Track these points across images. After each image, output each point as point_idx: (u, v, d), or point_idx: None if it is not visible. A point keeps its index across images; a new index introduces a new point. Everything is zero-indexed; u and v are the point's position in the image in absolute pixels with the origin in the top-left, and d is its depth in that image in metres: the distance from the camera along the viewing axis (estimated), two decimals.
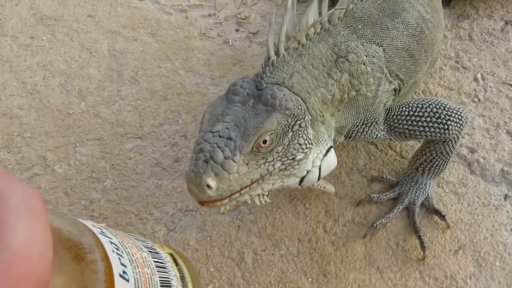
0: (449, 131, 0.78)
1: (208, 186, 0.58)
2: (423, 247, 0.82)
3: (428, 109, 0.77)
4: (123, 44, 1.21)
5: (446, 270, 0.82)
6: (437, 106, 0.77)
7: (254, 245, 0.87)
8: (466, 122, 0.79)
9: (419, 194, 0.87)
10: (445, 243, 0.85)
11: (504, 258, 0.83)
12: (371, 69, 0.75)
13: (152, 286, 0.45)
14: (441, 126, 0.77)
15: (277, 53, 0.68)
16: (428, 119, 0.77)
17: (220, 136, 0.60)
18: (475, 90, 1.06)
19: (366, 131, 0.78)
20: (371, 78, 0.74)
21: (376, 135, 0.79)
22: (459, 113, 0.78)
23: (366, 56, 0.74)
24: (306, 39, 0.71)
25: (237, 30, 1.24)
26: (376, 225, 0.84)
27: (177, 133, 1.04)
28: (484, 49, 1.13)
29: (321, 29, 0.73)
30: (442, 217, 0.85)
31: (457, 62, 1.11)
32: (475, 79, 1.08)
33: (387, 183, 0.92)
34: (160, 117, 1.06)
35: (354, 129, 0.77)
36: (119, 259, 0.42)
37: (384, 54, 0.78)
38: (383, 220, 0.85)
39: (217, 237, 0.88)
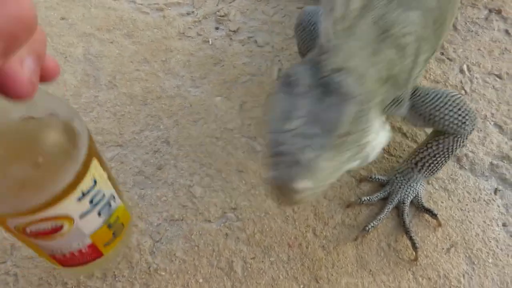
0: (465, 125, 0.79)
1: (298, 189, 0.53)
2: (415, 247, 0.80)
3: (452, 99, 0.79)
4: (98, 47, 1.16)
5: (439, 269, 0.80)
6: (459, 100, 0.80)
7: (243, 253, 0.84)
8: (476, 126, 0.82)
9: (408, 192, 0.86)
10: (437, 241, 0.83)
11: (496, 254, 0.82)
12: (412, 40, 0.70)
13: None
14: (460, 118, 0.79)
15: (330, 37, 0.63)
16: (451, 107, 0.78)
17: (299, 135, 0.55)
18: (461, 82, 1.04)
19: (395, 107, 0.76)
20: (412, 50, 0.70)
21: (399, 111, 0.78)
22: (474, 115, 0.81)
23: (407, 26, 0.69)
24: (353, 18, 0.65)
25: (216, 28, 1.20)
26: (368, 229, 0.82)
27: (158, 139, 1.00)
28: (469, 39, 1.11)
29: (364, 4, 0.67)
30: (434, 215, 0.83)
31: (442, 54, 1.09)
32: (461, 71, 1.06)
33: (376, 182, 0.90)
34: (140, 123, 1.03)
35: (390, 104, 0.74)
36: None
37: (421, 20, 0.72)
38: (374, 222, 0.83)
39: (204, 247, 0.86)
